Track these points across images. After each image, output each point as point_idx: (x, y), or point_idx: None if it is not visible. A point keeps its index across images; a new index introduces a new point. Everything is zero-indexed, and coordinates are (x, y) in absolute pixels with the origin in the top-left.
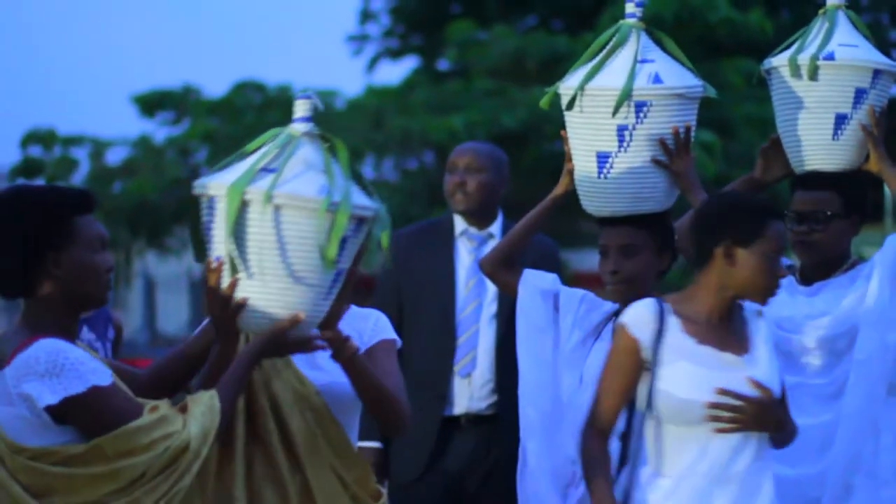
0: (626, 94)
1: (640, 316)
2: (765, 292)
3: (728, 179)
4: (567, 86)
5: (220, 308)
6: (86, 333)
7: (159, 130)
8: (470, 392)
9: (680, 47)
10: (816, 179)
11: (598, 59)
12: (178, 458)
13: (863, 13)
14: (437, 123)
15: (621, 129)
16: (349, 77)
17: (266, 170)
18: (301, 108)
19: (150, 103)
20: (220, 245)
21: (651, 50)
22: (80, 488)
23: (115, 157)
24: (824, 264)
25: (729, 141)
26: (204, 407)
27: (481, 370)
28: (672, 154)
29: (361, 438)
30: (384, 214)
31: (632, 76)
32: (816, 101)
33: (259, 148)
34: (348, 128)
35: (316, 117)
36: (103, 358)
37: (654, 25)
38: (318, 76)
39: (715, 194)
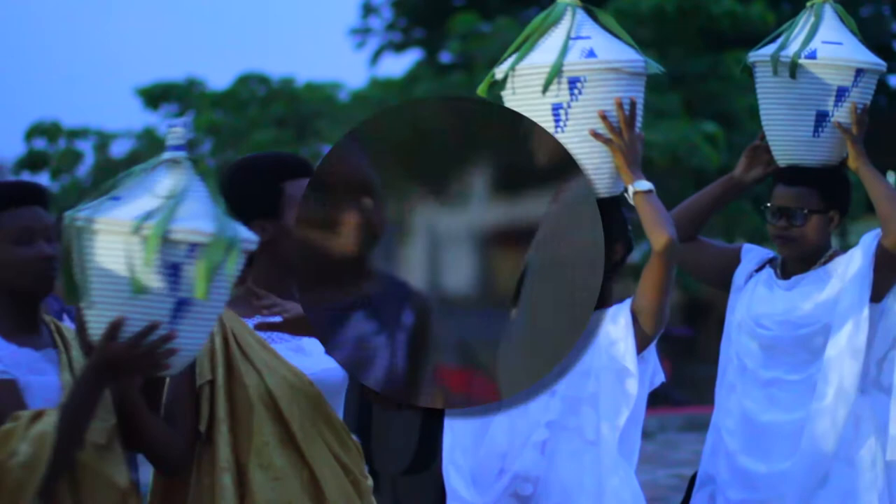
0: (556, 70)
1: None
2: None
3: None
4: (501, 69)
5: (81, 340)
6: None
7: (164, 123)
8: None
9: (683, 39)
10: (796, 175)
11: (530, 39)
12: (5, 477)
13: (864, 5)
14: None
15: (556, 108)
16: (353, 69)
17: (113, 199)
18: (171, 138)
19: (155, 96)
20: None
21: (587, 27)
22: None
23: (119, 149)
24: (803, 259)
25: (732, 132)
26: (42, 426)
27: None
28: (614, 130)
29: None
30: (226, 240)
31: (563, 52)
32: (798, 98)
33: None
34: (353, 119)
35: (319, 114)
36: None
37: (658, 18)
38: (322, 68)
39: None
